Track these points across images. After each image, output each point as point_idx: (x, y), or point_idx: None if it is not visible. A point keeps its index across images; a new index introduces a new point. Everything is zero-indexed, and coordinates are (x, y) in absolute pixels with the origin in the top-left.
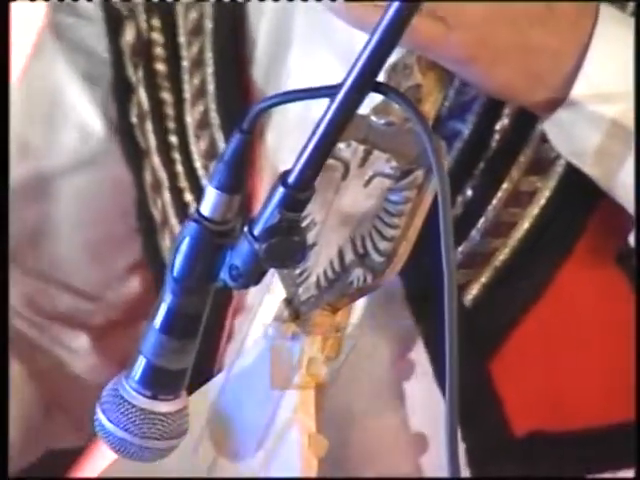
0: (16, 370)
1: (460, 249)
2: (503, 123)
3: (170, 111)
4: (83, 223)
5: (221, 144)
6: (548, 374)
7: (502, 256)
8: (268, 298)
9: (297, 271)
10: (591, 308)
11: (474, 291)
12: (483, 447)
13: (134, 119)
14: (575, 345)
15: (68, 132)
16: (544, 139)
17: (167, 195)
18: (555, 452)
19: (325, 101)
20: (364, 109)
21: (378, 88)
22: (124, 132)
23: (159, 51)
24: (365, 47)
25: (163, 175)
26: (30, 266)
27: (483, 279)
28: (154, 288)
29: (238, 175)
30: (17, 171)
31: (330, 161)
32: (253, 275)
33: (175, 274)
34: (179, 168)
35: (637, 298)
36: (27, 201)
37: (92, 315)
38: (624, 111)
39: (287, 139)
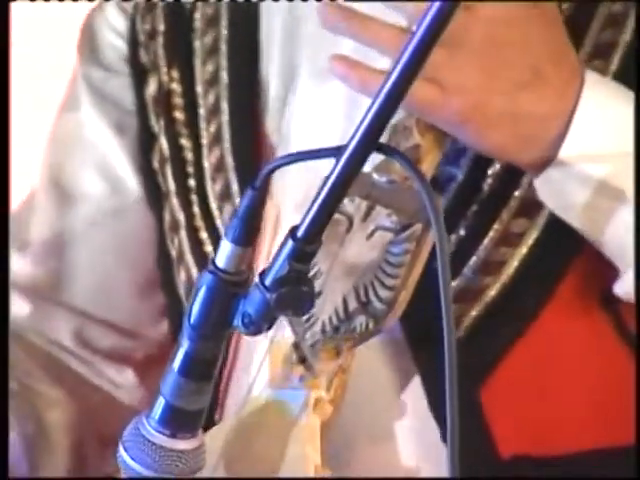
0: (69, 405)
1: (453, 285)
2: (495, 168)
3: (189, 156)
4: (122, 264)
5: (235, 187)
6: (533, 403)
7: (492, 292)
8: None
9: (304, 317)
10: (574, 344)
11: (466, 324)
12: (472, 468)
13: (156, 164)
14: (559, 377)
15: (100, 180)
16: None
17: (183, 234)
18: (538, 475)
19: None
20: (367, 167)
21: (380, 148)
22: (147, 177)
23: (178, 100)
24: (368, 111)
25: (181, 216)
26: (75, 303)
27: (474, 313)
28: (170, 319)
29: (251, 230)
30: (54, 220)
31: (335, 215)
32: (264, 322)
33: (192, 321)
34: (196, 209)
35: (637, 308)
36: (61, 247)
37: (134, 351)
38: (612, 170)
39: (294, 194)
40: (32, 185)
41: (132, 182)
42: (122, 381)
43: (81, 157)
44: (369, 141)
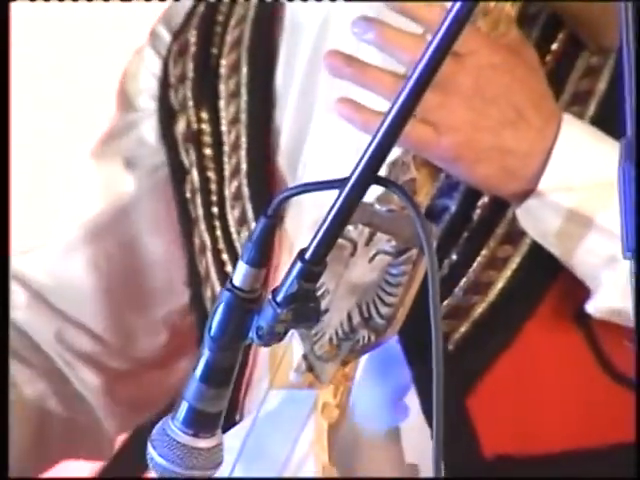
0: (45, 391)
1: (445, 303)
2: (484, 201)
3: (213, 187)
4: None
5: (250, 214)
6: (516, 408)
7: (480, 310)
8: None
9: (313, 331)
10: (552, 356)
11: (455, 338)
12: (458, 466)
13: (188, 194)
14: (539, 385)
15: (123, 213)
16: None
17: (209, 255)
18: (518, 472)
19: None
20: (370, 198)
21: (380, 181)
22: (180, 206)
23: (207, 138)
24: (368, 147)
25: (207, 239)
26: (60, 307)
27: (463, 329)
28: (199, 332)
29: (264, 253)
30: (84, 248)
31: (340, 241)
32: (276, 335)
33: (212, 334)
34: (219, 233)
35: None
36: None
37: (108, 359)
38: (584, 200)
39: (303, 221)
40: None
41: (146, 210)
42: (90, 384)
43: (113, 200)
44: (369, 174)
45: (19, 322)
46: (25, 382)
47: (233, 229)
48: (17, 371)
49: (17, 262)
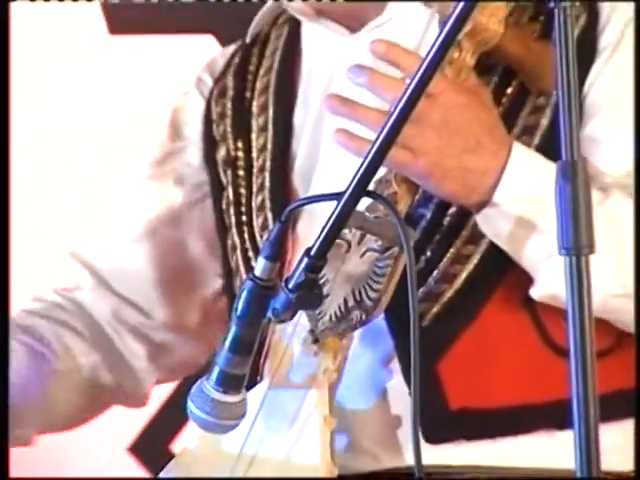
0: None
1: (421, 290)
2: (452, 210)
3: (243, 200)
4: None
5: (270, 221)
6: (475, 372)
7: (448, 295)
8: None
9: (317, 312)
10: (506, 331)
11: (429, 317)
12: (431, 416)
13: (224, 206)
14: (494, 355)
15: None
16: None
17: (239, 253)
18: (476, 421)
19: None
20: (361, 207)
21: (369, 194)
22: (217, 215)
23: (241, 163)
24: (359, 167)
25: (237, 240)
26: (118, 290)
27: (434, 310)
28: (229, 313)
29: (278, 250)
30: (140, 248)
31: (338, 240)
32: (288, 314)
33: (238, 313)
34: (246, 236)
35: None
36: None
37: (154, 332)
38: (528, 209)
39: (312, 226)
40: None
41: (191, 217)
42: (136, 351)
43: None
44: (360, 189)
45: (82, 302)
46: (81, 354)
47: (257, 233)
48: (75, 344)
49: (85, 251)
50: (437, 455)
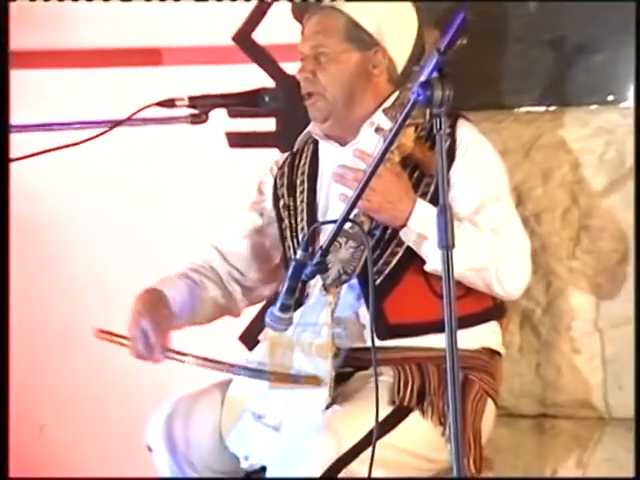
0: (219, 294)
1: (375, 267)
2: (390, 229)
3: (292, 225)
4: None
5: (302, 235)
6: (400, 306)
7: (388, 269)
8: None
9: (325, 275)
10: (416, 285)
11: (379, 280)
12: (380, 327)
13: (283, 227)
14: (413, 296)
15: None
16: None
17: (288, 249)
18: (403, 328)
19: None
20: (347, 226)
21: (350, 220)
22: (280, 231)
23: (291, 209)
24: (345, 209)
25: (289, 243)
26: (231, 261)
27: (381, 277)
28: (284, 274)
29: (307, 248)
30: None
31: (336, 242)
32: (313, 276)
33: (289, 275)
34: (293, 241)
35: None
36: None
37: (246, 282)
38: (424, 229)
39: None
40: None
41: (271, 231)
42: (236, 293)
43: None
44: (346, 218)
45: (213, 266)
46: (212, 289)
47: (298, 240)
48: (209, 285)
49: (216, 242)
50: (386, 344)
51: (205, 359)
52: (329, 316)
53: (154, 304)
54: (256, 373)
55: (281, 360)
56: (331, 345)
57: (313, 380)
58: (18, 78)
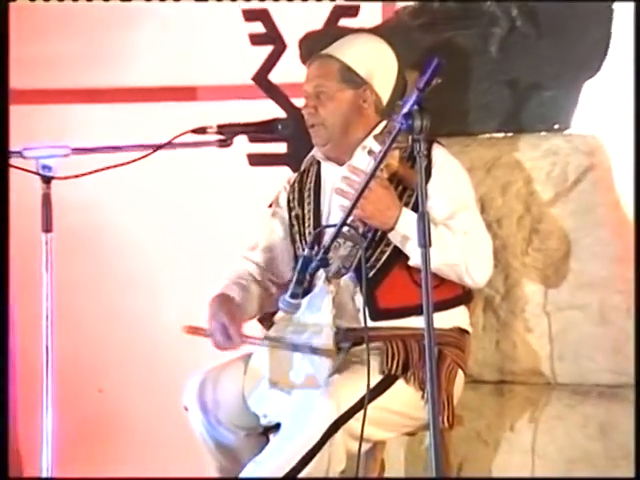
0: (258, 289)
1: (368, 263)
2: (380, 232)
3: (301, 231)
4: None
5: (308, 237)
6: (390, 293)
7: (379, 264)
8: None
9: (327, 269)
10: (401, 275)
11: (370, 274)
12: (371, 311)
13: (294, 232)
14: (398, 286)
15: (281, 236)
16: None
17: (299, 249)
18: (391, 312)
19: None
20: (344, 229)
21: (347, 225)
22: (291, 237)
23: (300, 218)
24: (343, 216)
25: (299, 245)
26: (263, 266)
27: (374, 270)
28: (294, 268)
29: (312, 248)
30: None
31: (335, 242)
32: (318, 268)
33: (298, 269)
34: (302, 243)
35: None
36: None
37: (275, 280)
38: (407, 231)
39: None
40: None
41: (286, 238)
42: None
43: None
44: (344, 223)
45: (251, 272)
46: (254, 289)
47: (306, 241)
48: (252, 285)
49: (247, 254)
50: (377, 324)
51: (274, 339)
52: (330, 302)
53: (226, 303)
54: (312, 349)
55: (291, 336)
56: (332, 325)
57: (331, 353)
58: (81, 111)
